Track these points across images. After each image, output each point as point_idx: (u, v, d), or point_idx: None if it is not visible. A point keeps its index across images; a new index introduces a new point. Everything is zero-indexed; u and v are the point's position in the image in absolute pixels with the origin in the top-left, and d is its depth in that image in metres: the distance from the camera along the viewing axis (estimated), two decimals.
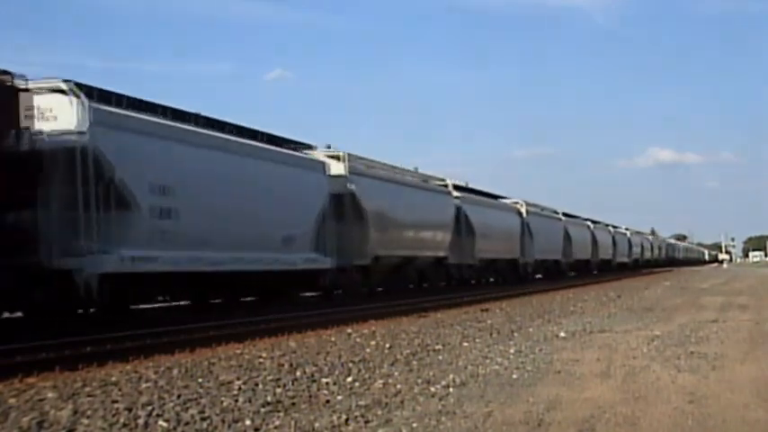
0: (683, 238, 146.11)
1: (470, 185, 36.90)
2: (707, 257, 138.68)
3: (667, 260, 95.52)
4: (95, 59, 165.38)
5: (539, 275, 42.37)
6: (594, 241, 54.77)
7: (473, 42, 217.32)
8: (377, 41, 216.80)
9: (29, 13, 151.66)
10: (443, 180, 31.72)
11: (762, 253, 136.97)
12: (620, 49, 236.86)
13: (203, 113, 18.99)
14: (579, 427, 5.56)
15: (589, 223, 55.73)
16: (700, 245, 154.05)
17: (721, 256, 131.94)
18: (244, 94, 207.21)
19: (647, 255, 79.36)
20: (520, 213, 39.69)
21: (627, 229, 70.71)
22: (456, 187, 32.48)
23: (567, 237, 47.24)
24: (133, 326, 12.94)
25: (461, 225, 30.86)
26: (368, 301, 20.95)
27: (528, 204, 41.48)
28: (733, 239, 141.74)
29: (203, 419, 5.93)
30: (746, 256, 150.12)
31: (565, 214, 49.27)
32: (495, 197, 39.71)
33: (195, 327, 13.28)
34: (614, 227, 65.51)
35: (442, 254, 28.80)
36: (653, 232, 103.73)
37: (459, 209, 30.99)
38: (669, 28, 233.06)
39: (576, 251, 48.67)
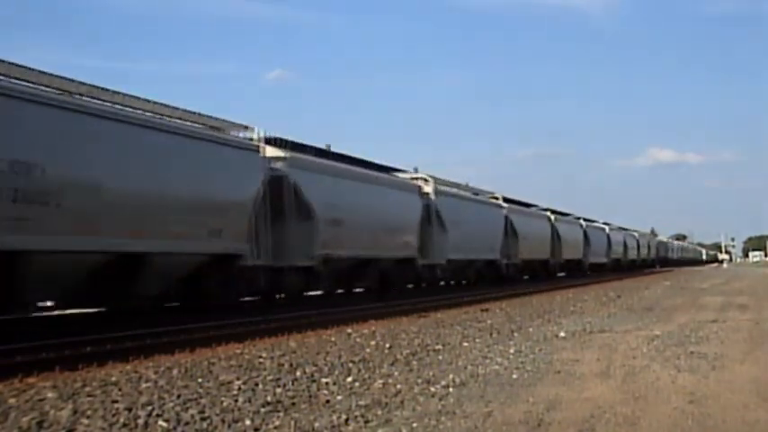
0: (682, 237, 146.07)
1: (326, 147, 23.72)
2: (704, 257, 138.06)
3: (659, 261, 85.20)
4: (96, 59, 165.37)
5: (465, 281, 32.60)
6: (556, 237, 43.98)
7: (473, 42, 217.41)
8: (377, 41, 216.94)
9: (29, 12, 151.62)
10: (249, 128, 18.94)
11: (762, 253, 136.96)
12: (620, 49, 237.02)
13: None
14: (579, 427, 5.56)
15: (549, 214, 45.08)
16: (700, 245, 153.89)
17: (721, 256, 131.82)
18: (244, 93, 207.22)
19: (633, 254, 68.62)
20: (422, 194, 27.26)
21: (605, 224, 60.94)
22: (277, 143, 20.03)
23: (511, 230, 36.17)
24: (133, 326, 12.94)
25: (286, 206, 19.19)
26: (368, 300, 20.94)
27: (438, 181, 29.16)
28: (733, 239, 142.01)
29: (203, 419, 5.93)
30: (746, 256, 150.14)
31: (508, 200, 38.48)
32: (385, 169, 27.22)
33: (195, 327, 13.27)
34: (588, 221, 55.26)
35: (229, 249, 16.70)
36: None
37: (279, 178, 19.01)
38: (669, 28, 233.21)
39: (524, 249, 37.38)
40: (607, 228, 60.01)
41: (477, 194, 35.22)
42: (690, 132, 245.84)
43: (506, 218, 36.06)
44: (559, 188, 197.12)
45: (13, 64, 13.04)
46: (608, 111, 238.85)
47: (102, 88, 14.97)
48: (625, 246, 64.96)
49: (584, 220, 54.22)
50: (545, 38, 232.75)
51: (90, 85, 14.63)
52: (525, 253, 37.60)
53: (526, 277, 38.92)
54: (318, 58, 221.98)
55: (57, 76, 13.95)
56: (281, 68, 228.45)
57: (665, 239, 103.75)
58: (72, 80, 14.31)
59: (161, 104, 16.21)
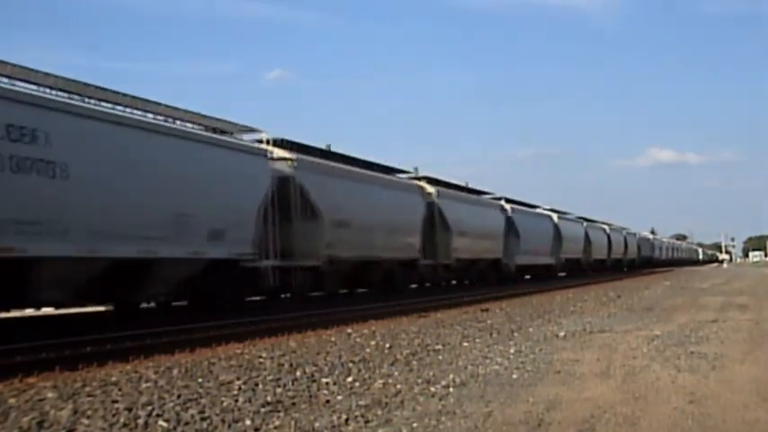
0: (683, 237, 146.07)
1: None
2: (701, 257, 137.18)
3: (642, 262, 70.75)
4: (96, 59, 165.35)
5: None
6: (441, 226, 28.43)
7: (473, 42, 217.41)
8: (377, 41, 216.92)
9: (29, 12, 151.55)
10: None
11: (762, 253, 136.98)
12: (620, 50, 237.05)
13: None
14: (579, 427, 5.55)
15: (427, 187, 28.57)
16: (700, 244, 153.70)
17: (721, 256, 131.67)
18: (244, 93, 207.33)
19: (601, 253, 53.75)
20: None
21: (554, 212, 44.53)
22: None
23: (309, 219, 20.23)
24: (133, 326, 12.95)
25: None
26: (368, 300, 20.96)
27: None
28: (733, 239, 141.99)
29: (203, 419, 5.93)
30: (746, 256, 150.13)
31: (310, 150, 22.46)
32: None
33: (195, 327, 13.28)
34: (521, 204, 39.46)
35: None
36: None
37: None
38: (669, 28, 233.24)
39: (345, 243, 21.60)
40: (555, 217, 43.81)
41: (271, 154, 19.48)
42: (690, 132, 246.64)
43: (302, 189, 20.05)
44: (560, 188, 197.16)
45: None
46: (608, 111, 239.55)
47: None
48: (588, 242, 50.41)
49: (509, 201, 37.65)
50: (545, 38, 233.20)
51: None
52: (353, 248, 22.16)
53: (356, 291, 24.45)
54: (318, 58, 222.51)
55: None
56: (281, 68, 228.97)
57: (650, 236, 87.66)
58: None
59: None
